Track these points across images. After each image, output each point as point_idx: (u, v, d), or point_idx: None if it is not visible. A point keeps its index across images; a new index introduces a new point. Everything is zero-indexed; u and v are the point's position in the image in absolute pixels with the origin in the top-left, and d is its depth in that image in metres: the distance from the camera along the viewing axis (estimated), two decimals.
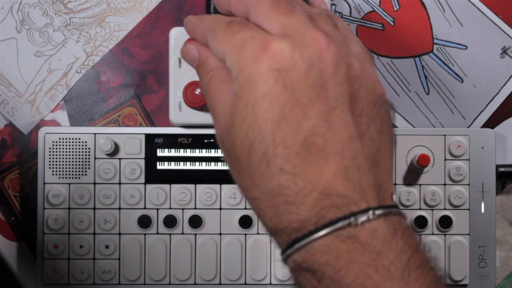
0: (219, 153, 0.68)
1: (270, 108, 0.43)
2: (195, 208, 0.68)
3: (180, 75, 0.65)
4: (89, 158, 0.67)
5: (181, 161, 0.67)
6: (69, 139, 0.67)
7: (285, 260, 0.45)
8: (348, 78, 0.44)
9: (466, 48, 0.73)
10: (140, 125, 0.71)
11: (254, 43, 0.44)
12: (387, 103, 0.47)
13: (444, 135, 0.68)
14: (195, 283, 0.68)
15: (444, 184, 0.68)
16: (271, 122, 0.43)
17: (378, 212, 0.42)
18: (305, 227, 0.43)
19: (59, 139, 0.67)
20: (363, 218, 0.42)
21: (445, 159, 0.68)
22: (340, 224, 0.42)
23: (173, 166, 0.67)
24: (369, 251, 0.42)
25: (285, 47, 0.43)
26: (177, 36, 0.65)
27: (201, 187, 0.68)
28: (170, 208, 0.68)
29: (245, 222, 0.68)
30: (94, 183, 0.67)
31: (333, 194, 0.42)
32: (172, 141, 0.67)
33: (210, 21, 0.50)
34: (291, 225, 0.43)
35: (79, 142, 0.67)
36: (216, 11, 0.68)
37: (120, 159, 0.67)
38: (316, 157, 0.42)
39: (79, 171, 0.67)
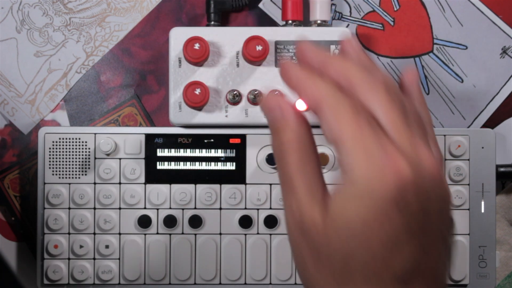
0: (219, 153, 0.68)
1: (385, 230, 0.43)
2: (195, 208, 0.68)
3: (180, 75, 0.65)
4: (89, 158, 0.67)
5: (181, 161, 0.67)
6: (69, 139, 0.67)
7: None
8: (445, 208, 0.46)
9: (466, 48, 0.73)
10: (140, 125, 0.71)
11: (383, 155, 0.43)
12: (454, 226, 0.50)
13: (444, 135, 0.68)
14: (195, 283, 0.68)
15: None
16: (382, 244, 0.43)
17: None
18: None
19: (59, 139, 0.67)
20: None
21: (445, 159, 0.68)
22: None
23: (173, 166, 0.67)
24: None
25: (410, 173, 0.43)
26: (177, 36, 0.65)
27: (201, 187, 0.68)
28: (170, 208, 0.68)
29: (245, 222, 0.68)
30: (94, 183, 0.67)
31: None
32: (172, 141, 0.67)
33: (327, 92, 0.46)
34: None
35: (79, 142, 0.67)
36: (216, 8, 0.68)
37: (120, 159, 0.67)
38: (410, 282, 0.44)
39: (79, 171, 0.67)
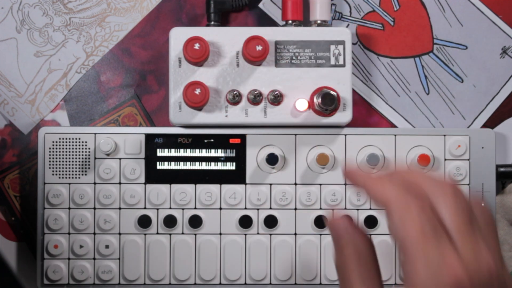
0: (219, 153, 0.68)
1: None
2: (195, 208, 0.68)
3: (180, 75, 0.65)
4: (89, 158, 0.67)
5: (181, 161, 0.67)
6: (69, 139, 0.67)
7: None
8: None
9: (466, 48, 0.73)
10: (140, 125, 0.71)
11: (441, 261, 0.45)
12: None
13: (444, 135, 0.68)
14: (195, 283, 0.68)
15: None
16: None
17: None
18: None
19: (59, 139, 0.67)
20: None
21: (445, 159, 0.68)
22: None
23: (173, 166, 0.67)
24: None
25: (465, 276, 0.45)
26: (177, 36, 0.65)
27: (201, 187, 0.68)
28: (170, 208, 0.68)
29: (245, 222, 0.68)
30: (94, 183, 0.67)
31: None
32: (172, 141, 0.67)
33: (396, 192, 0.48)
34: None
35: (79, 142, 0.67)
36: (216, 8, 0.68)
37: (120, 159, 0.67)
38: None
39: (79, 171, 0.67)
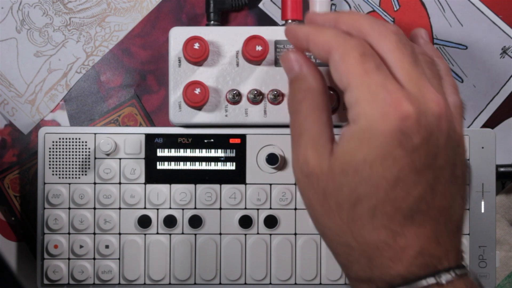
0: (219, 153, 0.68)
1: (389, 168, 0.45)
2: (195, 208, 0.68)
3: (180, 75, 0.65)
4: (89, 158, 0.67)
5: (181, 161, 0.67)
6: (69, 139, 0.67)
7: None
8: (454, 148, 0.46)
9: (466, 48, 0.73)
10: (140, 125, 0.71)
11: (387, 96, 0.45)
12: (469, 168, 0.50)
13: None
14: (195, 283, 0.68)
15: None
16: (387, 182, 0.45)
17: (457, 272, 0.45)
18: (395, 281, 0.45)
19: (59, 139, 0.67)
20: (447, 277, 0.45)
21: None
22: (427, 282, 0.45)
23: (173, 166, 0.67)
24: None
25: (413, 111, 0.44)
26: (177, 35, 0.65)
27: (201, 187, 0.68)
28: (170, 208, 0.68)
29: (245, 222, 0.68)
30: (94, 183, 0.67)
31: (426, 254, 0.45)
32: (172, 141, 0.67)
33: (337, 37, 0.48)
34: (383, 277, 0.46)
35: (79, 142, 0.67)
36: (216, 7, 0.68)
37: (120, 159, 0.67)
38: (419, 220, 0.45)
39: (79, 171, 0.67)
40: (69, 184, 0.67)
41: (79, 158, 0.67)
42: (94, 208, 0.67)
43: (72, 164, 0.67)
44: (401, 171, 0.45)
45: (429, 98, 0.45)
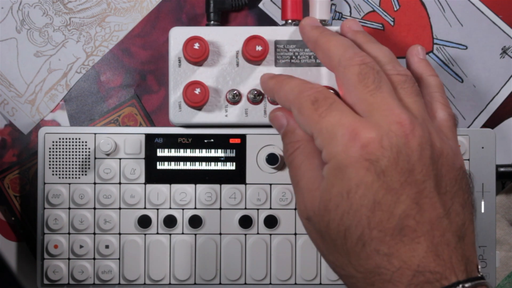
0: (219, 153, 0.68)
1: (364, 195, 0.46)
2: (195, 208, 0.68)
3: (180, 75, 0.65)
4: (89, 158, 0.67)
5: (181, 161, 0.67)
6: (69, 139, 0.67)
7: None
8: (432, 159, 0.47)
9: (466, 48, 0.73)
10: (140, 125, 0.71)
11: (343, 130, 0.47)
12: (466, 175, 0.50)
13: None
14: (195, 283, 0.68)
15: None
16: (366, 208, 0.46)
17: (467, 285, 0.45)
18: None
19: (59, 139, 0.67)
20: None
21: None
22: None
23: (173, 166, 0.67)
24: None
25: (374, 137, 0.46)
26: (177, 36, 0.65)
27: (201, 187, 0.68)
28: (170, 208, 0.68)
29: (245, 222, 0.68)
30: (94, 183, 0.67)
31: (426, 271, 0.45)
32: (172, 141, 0.67)
33: (293, 91, 0.52)
34: None
35: (79, 142, 0.67)
36: (216, 7, 0.68)
37: (120, 159, 0.67)
38: (409, 237, 0.45)
39: (79, 171, 0.67)
40: (69, 184, 0.67)
41: (79, 158, 0.67)
42: (94, 208, 0.67)
43: (72, 164, 0.67)
44: (376, 195, 0.46)
45: (391, 120, 0.47)
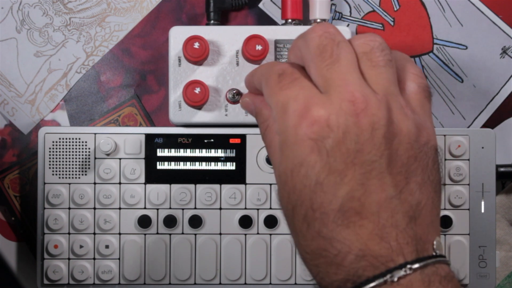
0: (219, 153, 0.68)
1: (306, 175, 0.44)
2: (195, 208, 0.68)
3: (180, 74, 0.65)
4: (89, 158, 0.67)
5: (181, 161, 0.67)
6: (69, 139, 0.67)
7: None
8: (386, 138, 0.45)
9: (466, 48, 0.73)
10: (140, 125, 0.71)
11: (295, 106, 0.45)
12: (432, 150, 0.47)
13: (444, 135, 0.68)
14: (195, 283, 0.68)
15: (444, 184, 0.68)
16: (308, 189, 0.44)
17: (414, 266, 0.43)
18: (345, 285, 0.44)
19: (59, 139, 0.67)
20: (399, 274, 0.43)
21: (445, 159, 0.68)
22: (375, 283, 0.43)
23: (173, 166, 0.67)
24: None
25: (322, 115, 0.44)
26: (177, 35, 0.65)
27: (201, 187, 0.68)
28: (170, 208, 0.68)
29: (245, 222, 0.68)
30: (94, 183, 0.67)
31: (368, 254, 0.43)
32: (172, 141, 0.67)
33: (266, 67, 0.51)
34: (333, 283, 0.44)
35: (79, 142, 0.67)
36: (216, 7, 0.68)
37: (120, 159, 0.67)
38: (353, 220, 0.44)
39: (79, 171, 0.67)
40: (69, 184, 0.67)
41: (79, 158, 0.67)
42: (94, 208, 0.67)
43: (72, 164, 0.67)
44: (319, 175, 0.44)
45: (343, 97, 0.45)
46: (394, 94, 0.47)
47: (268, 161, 0.67)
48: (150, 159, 0.67)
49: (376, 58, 0.47)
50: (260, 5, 0.72)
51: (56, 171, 0.67)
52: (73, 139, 0.67)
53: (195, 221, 0.67)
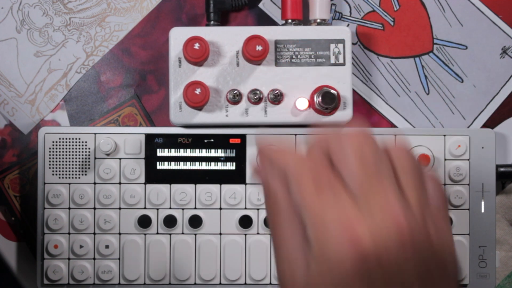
0: (219, 153, 0.68)
1: None
2: (195, 208, 0.68)
3: (180, 75, 0.65)
4: (89, 158, 0.67)
5: (181, 161, 0.67)
6: (69, 139, 0.67)
7: None
8: (423, 258, 0.43)
9: (466, 48, 0.73)
10: (140, 125, 0.71)
11: (339, 227, 0.43)
12: (455, 268, 0.46)
13: (444, 135, 0.68)
14: (195, 283, 0.68)
15: (444, 184, 0.68)
16: None
17: None
18: None
19: (59, 139, 0.67)
20: None
21: (445, 159, 0.68)
22: None
23: (173, 166, 0.67)
24: None
25: (367, 237, 0.42)
26: (177, 36, 0.65)
27: (201, 187, 0.68)
28: (170, 208, 0.68)
29: (245, 222, 0.68)
30: (94, 183, 0.67)
31: None
32: (172, 141, 0.67)
33: (294, 162, 0.47)
34: None
35: (79, 142, 0.67)
36: (216, 7, 0.68)
37: (120, 159, 0.67)
38: None
39: (79, 171, 0.67)
40: (69, 184, 0.67)
41: (79, 158, 0.67)
42: (94, 208, 0.67)
43: (72, 164, 0.67)
44: None
45: (387, 217, 0.43)
46: (440, 209, 0.46)
47: None
48: (150, 159, 0.67)
49: (414, 181, 0.46)
50: (260, 5, 0.72)
51: (56, 171, 0.67)
52: (73, 139, 0.67)
53: (195, 221, 0.67)
